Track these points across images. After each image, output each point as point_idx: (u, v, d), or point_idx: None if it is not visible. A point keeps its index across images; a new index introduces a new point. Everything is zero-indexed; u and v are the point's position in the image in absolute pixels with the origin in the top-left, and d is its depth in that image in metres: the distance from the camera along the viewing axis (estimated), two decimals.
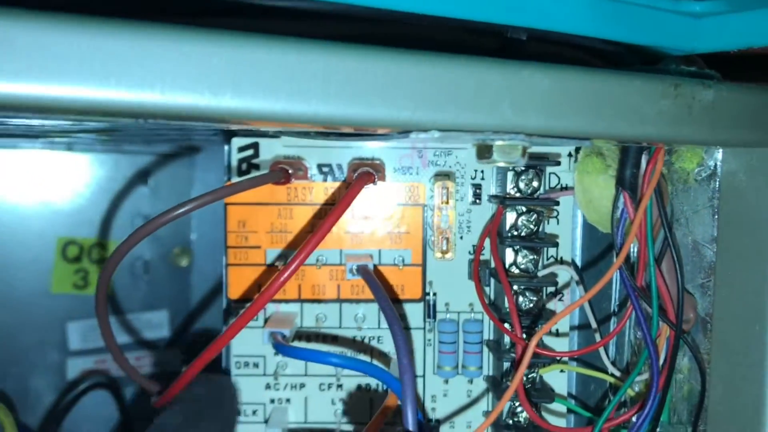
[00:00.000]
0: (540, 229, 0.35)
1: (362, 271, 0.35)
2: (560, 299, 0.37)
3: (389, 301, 0.32)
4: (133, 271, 0.63)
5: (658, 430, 0.35)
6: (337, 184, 0.36)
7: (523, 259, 0.35)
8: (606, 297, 0.37)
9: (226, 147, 0.37)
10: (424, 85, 0.22)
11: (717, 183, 0.32)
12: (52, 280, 0.61)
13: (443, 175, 0.36)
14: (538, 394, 0.35)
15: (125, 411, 0.58)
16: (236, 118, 0.21)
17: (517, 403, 0.35)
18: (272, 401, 0.37)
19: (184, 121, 0.21)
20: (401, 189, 0.37)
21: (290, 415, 0.37)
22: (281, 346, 0.32)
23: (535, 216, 0.35)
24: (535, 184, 0.35)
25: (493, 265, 0.35)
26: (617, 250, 0.31)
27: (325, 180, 0.36)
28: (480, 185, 0.37)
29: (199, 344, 0.35)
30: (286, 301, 0.37)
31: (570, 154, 0.36)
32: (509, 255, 0.35)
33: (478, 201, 0.37)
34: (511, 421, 0.35)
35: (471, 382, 0.38)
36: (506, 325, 0.34)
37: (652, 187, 0.30)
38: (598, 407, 0.38)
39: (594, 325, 0.36)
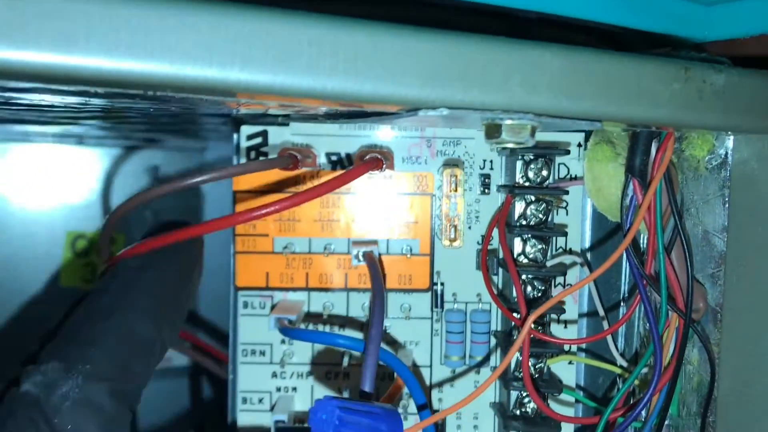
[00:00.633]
0: (549, 219, 0.35)
1: (367, 257, 0.35)
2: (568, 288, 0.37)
3: (381, 280, 0.33)
4: None
5: (667, 422, 0.34)
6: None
7: (532, 248, 0.35)
8: (615, 287, 0.37)
9: (235, 135, 0.37)
10: (433, 61, 0.22)
11: (728, 171, 0.31)
12: (61, 274, 0.62)
13: (452, 164, 0.36)
14: (546, 384, 0.35)
15: None
16: (243, 91, 0.21)
17: (524, 394, 0.35)
18: (278, 389, 0.37)
19: (192, 94, 0.21)
20: (410, 179, 0.37)
21: (296, 403, 0.37)
22: (287, 330, 0.32)
23: (544, 205, 0.35)
24: (544, 173, 0.35)
25: (501, 254, 0.35)
26: (625, 234, 0.31)
27: (333, 168, 0.36)
28: (489, 175, 0.37)
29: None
30: (294, 289, 0.37)
31: (579, 144, 0.36)
32: (518, 245, 0.35)
33: (486, 191, 0.37)
34: (518, 412, 0.35)
35: (478, 372, 0.37)
36: (515, 315, 0.34)
37: (662, 170, 0.30)
38: (607, 398, 0.37)
39: (602, 313, 0.36)
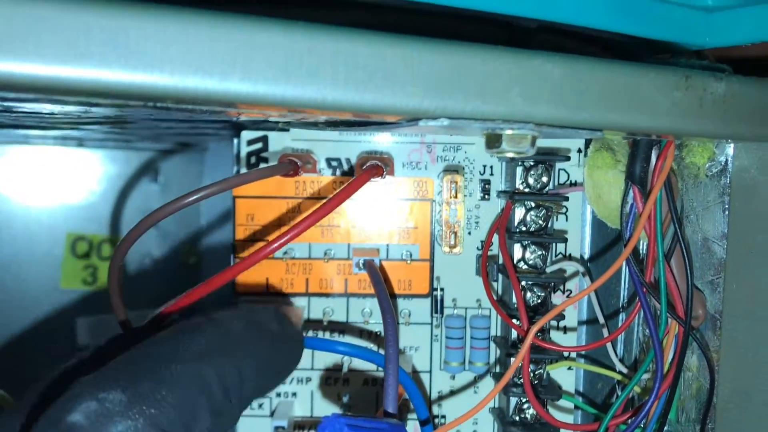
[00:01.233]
0: (549, 225, 0.35)
1: (367, 265, 0.35)
2: (568, 297, 0.37)
3: (387, 294, 0.32)
4: (142, 268, 0.63)
5: (666, 428, 0.34)
6: (345, 179, 0.36)
7: (532, 254, 0.35)
8: (614, 294, 0.37)
9: (235, 140, 0.37)
10: (433, 72, 0.22)
11: (728, 179, 0.31)
12: (61, 276, 0.62)
13: (452, 170, 0.36)
14: (545, 390, 0.35)
15: None
16: (244, 101, 0.21)
17: (524, 399, 0.35)
18: (278, 395, 0.37)
19: (192, 105, 0.21)
20: (410, 184, 0.37)
21: (296, 408, 0.37)
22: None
23: (544, 212, 0.35)
24: (544, 179, 0.35)
25: (501, 260, 0.35)
26: (626, 243, 0.31)
27: (333, 174, 0.36)
28: (489, 181, 0.37)
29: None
30: (294, 294, 0.37)
31: (579, 150, 0.36)
32: (517, 251, 0.35)
33: (486, 197, 0.37)
34: (517, 417, 0.35)
35: (478, 378, 0.37)
36: (514, 321, 0.34)
37: (662, 178, 0.30)
38: (606, 404, 0.37)
39: (602, 320, 0.36)
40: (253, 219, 0.36)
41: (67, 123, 0.37)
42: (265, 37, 0.20)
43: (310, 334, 0.37)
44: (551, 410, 0.36)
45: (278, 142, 0.36)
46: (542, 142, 0.35)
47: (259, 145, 0.36)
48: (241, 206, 0.36)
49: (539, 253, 0.35)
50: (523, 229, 0.35)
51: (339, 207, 0.35)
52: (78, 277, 0.62)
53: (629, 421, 0.33)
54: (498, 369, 0.37)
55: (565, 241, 0.36)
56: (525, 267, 0.35)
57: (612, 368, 0.36)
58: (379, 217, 0.37)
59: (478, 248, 0.37)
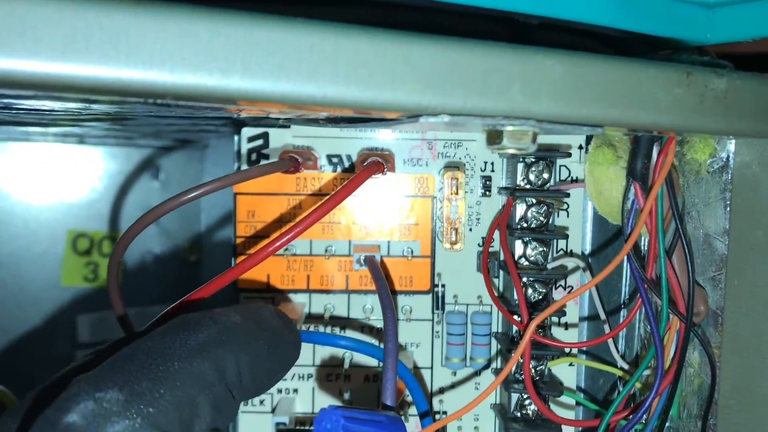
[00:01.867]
0: (550, 221, 0.35)
1: (368, 261, 0.35)
2: (569, 293, 0.37)
3: (388, 289, 0.32)
4: (143, 265, 0.63)
5: (668, 424, 0.34)
6: (346, 175, 0.36)
7: (533, 251, 0.35)
8: (616, 290, 0.37)
9: (236, 137, 0.37)
10: (434, 68, 0.22)
11: (729, 175, 0.31)
12: (62, 273, 0.62)
13: (453, 166, 0.36)
14: (546, 386, 0.35)
15: None
16: (244, 98, 0.21)
17: (525, 396, 0.35)
18: (279, 391, 0.37)
19: (192, 102, 0.21)
20: (411, 180, 0.37)
21: (297, 405, 0.37)
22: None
23: (545, 208, 0.35)
24: (545, 175, 0.35)
25: (502, 257, 0.35)
26: (626, 239, 0.31)
27: (334, 170, 0.36)
28: (490, 177, 0.37)
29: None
30: (295, 291, 0.37)
31: (581, 146, 0.36)
32: (518, 247, 0.35)
33: (487, 193, 0.37)
34: (519, 414, 0.35)
35: (479, 374, 0.37)
36: (515, 317, 0.34)
37: (663, 175, 0.29)
38: (607, 401, 0.37)
39: (603, 317, 0.36)
40: (254, 216, 0.36)
41: (68, 120, 0.36)
42: (266, 34, 0.20)
43: (311, 329, 0.37)
44: (552, 406, 0.36)
45: (279, 138, 0.36)
46: (543, 139, 0.35)
47: (259, 142, 0.36)
48: (242, 203, 0.36)
49: (540, 249, 0.35)
50: (524, 225, 0.35)
51: (340, 204, 0.35)
52: (79, 274, 0.62)
53: (630, 417, 0.33)
54: (499, 365, 0.37)
55: (566, 237, 0.36)
56: (526, 263, 0.35)
57: (613, 364, 0.36)
58: (380, 214, 0.37)
59: (479, 245, 0.37)
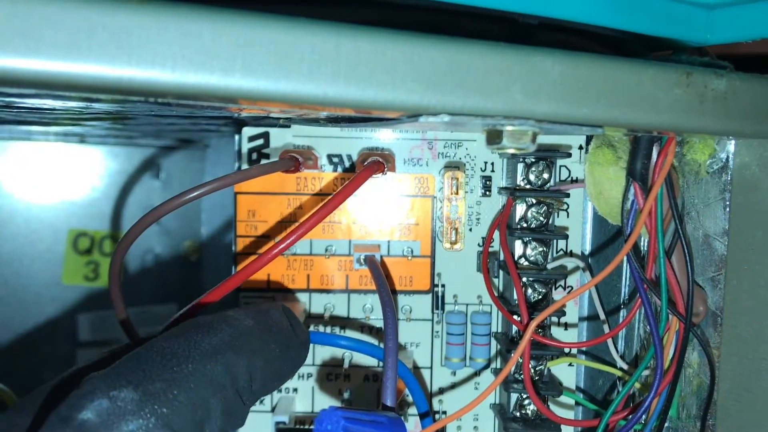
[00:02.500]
0: (550, 222, 0.35)
1: (368, 261, 0.35)
2: (569, 293, 0.37)
3: (387, 288, 0.32)
4: (144, 264, 0.63)
5: (667, 424, 0.34)
6: (346, 175, 0.36)
7: (533, 251, 0.35)
8: (615, 290, 0.37)
9: (236, 136, 0.37)
10: (434, 68, 0.22)
11: (729, 175, 0.31)
12: (63, 272, 0.62)
13: (453, 166, 0.36)
14: (546, 386, 0.35)
15: None
16: (245, 98, 0.21)
17: (525, 396, 0.35)
18: (279, 390, 0.37)
19: (193, 101, 0.21)
20: (411, 180, 0.37)
21: (297, 404, 0.37)
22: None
23: (545, 208, 0.35)
24: (545, 176, 0.35)
25: (502, 257, 0.35)
26: (626, 239, 0.31)
27: (335, 170, 0.36)
28: (490, 177, 0.37)
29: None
30: (295, 290, 0.37)
31: (581, 147, 0.36)
32: (518, 247, 0.35)
33: (487, 193, 0.37)
34: (518, 413, 0.35)
35: (478, 374, 0.38)
36: (515, 317, 0.34)
37: (662, 175, 0.30)
38: (607, 401, 0.38)
39: (603, 317, 0.36)
40: (255, 215, 0.37)
41: (69, 119, 0.37)
42: (267, 33, 0.20)
43: (311, 328, 0.37)
44: (552, 406, 0.37)
45: (279, 138, 0.36)
46: (543, 139, 0.35)
47: (260, 142, 0.36)
48: (243, 202, 0.36)
49: (540, 249, 0.35)
50: (524, 225, 0.35)
51: (341, 204, 0.35)
52: (80, 273, 0.62)
53: (629, 417, 0.33)
54: (498, 365, 0.37)
55: (566, 237, 0.36)
56: (526, 263, 0.35)
57: (613, 365, 0.36)
58: (380, 214, 0.37)
59: (479, 245, 0.37)
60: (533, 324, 0.32)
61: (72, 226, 0.62)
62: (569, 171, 0.36)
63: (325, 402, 0.37)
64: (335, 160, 0.36)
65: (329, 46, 0.21)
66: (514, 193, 0.34)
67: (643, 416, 0.33)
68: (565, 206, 0.36)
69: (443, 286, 0.37)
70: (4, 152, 0.59)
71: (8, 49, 0.18)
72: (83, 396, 0.21)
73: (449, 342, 0.37)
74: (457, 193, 0.36)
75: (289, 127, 0.36)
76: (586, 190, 0.35)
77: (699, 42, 0.31)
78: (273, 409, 0.37)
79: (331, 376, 0.37)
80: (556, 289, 0.36)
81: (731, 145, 0.31)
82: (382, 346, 0.29)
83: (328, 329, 0.37)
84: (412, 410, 0.37)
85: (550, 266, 0.35)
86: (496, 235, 0.36)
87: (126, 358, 0.23)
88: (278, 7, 0.22)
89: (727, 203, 0.32)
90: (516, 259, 0.35)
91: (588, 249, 0.37)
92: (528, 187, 0.35)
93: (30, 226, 0.61)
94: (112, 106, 0.27)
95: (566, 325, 0.37)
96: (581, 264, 0.36)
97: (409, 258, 0.37)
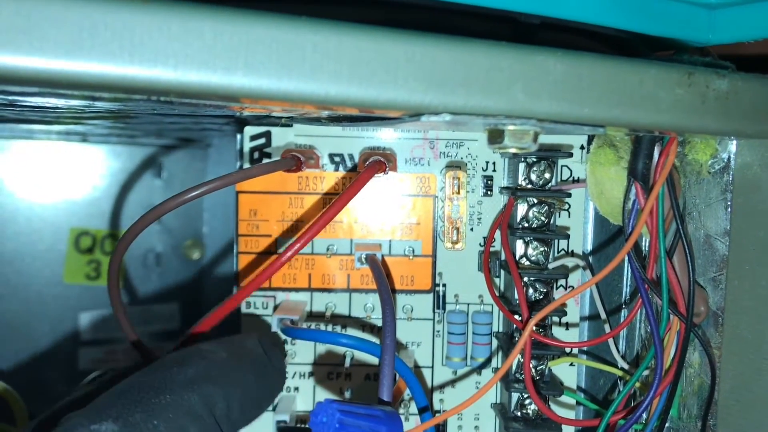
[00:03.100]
0: (551, 221, 0.35)
1: (369, 260, 0.35)
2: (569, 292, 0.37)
3: (388, 286, 0.32)
4: (145, 263, 0.63)
5: (667, 425, 0.34)
6: (348, 174, 0.36)
7: (534, 251, 0.35)
8: (616, 290, 0.37)
9: (238, 135, 0.37)
10: (436, 67, 0.22)
11: (731, 175, 0.31)
12: (64, 271, 0.62)
13: (455, 166, 0.36)
14: (547, 386, 0.35)
15: None
16: (247, 96, 0.21)
17: (525, 395, 0.35)
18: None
19: (195, 99, 0.21)
20: (412, 180, 0.37)
21: (298, 403, 0.37)
22: (290, 330, 0.32)
23: (546, 208, 0.35)
24: (547, 175, 0.35)
25: (503, 256, 0.35)
26: (627, 239, 0.31)
27: (336, 170, 0.37)
28: (491, 177, 0.37)
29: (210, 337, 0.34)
30: (296, 289, 0.37)
31: (582, 147, 0.36)
32: (520, 247, 0.35)
33: (489, 193, 0.37)
34: (519, 413, 0.35)
35: (479, 373, 0.38)
36: (516, 317, 0.34)
37: (664, 175, 0.30)
38: (608, 400, 0.38)
39: (604, 316, 0.36)
40: (256, 214, 0.37)
41: (71, 117, 0.37)
42: (269, 32, 0.20)
43: (312, 327, 0.37)
44: (553, 406, 0.37)
45: (281, 137, 0.36)
46: (545, 139, 0.35)
47: (262, 141, 0.36)
48: (244, 201, 0.37)
49: (541, 249, 0.35)
50: (526, 225, 0.35)
51: (345, 206, 0.35)
52: (81, 272, 0.62)
53: (630, 417, 0.33)
54: (499, 364, 0.37)
55: (568, 237, 0.36)
56: (527, 263, 0.35)
57: (614, 364, 0.36)
58: (382, 213, 0.37)
59: (480, 244, 0.37)
60: (533, 321, 0.32)
61: (74, 225, 0.62)
62: (571, 171, 0.36)
63: None
64: (337, 159, 0.36)
65: (331, 45, 0.21)
66: (515, 192, 0.34)
67: (644, 416, 0.33)
68: (566, 206, 0.36)
69: (444, 285, 0.37)
70: (6, 151, 0.59)
71: (11, 48, 0.18)
72: (65, 430, 0.22)
73: (450, 341, 0.37)
74: (458, 193, 0.36)
75: (290, 126, 0.36)
76: (588, 190, 0.35)
77: (701, 42, 0.31)
78: (274, 408, 0.37)
79: (332, 375, 0.37)
80: (557, 289, 0.36)
81: (733, 145, 0.31)
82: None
83: (330, 328, 0.37)
84: (413, 410, 0.37)
85: (551, 266, 0.35)
86: (498, 234, 0.36)
87: (105, 395, 0.24)
88: (280, 5, 0.22)
89: (729, 203, 0.32)
90: (517, 258, 0.35)
91: (589, 249, 0.37)
92: (529, 186, 0.35)
93: (31, 224, 0.61)
94: (114, 104, 0.27)
95: (567, 325, 0.37)
96: (582, 263, 0.36)
97: (411, 257, 0.37)
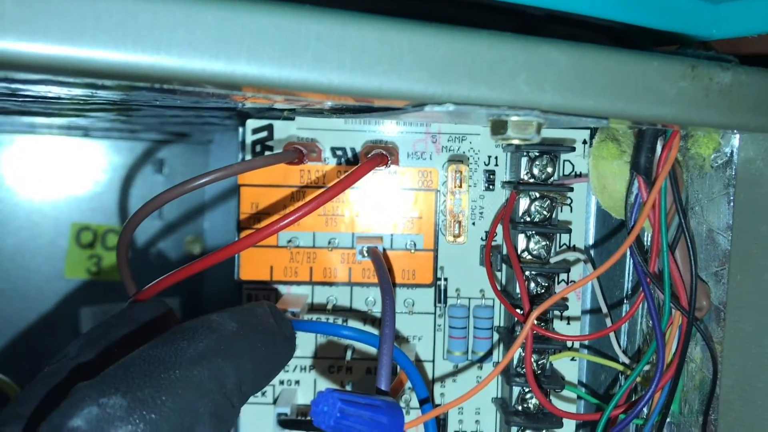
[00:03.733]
0: (553, 216, 0.35)
1: (371, 252, 0.35)
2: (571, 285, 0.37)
3: (388, 277, 0.32)
4: (146, 258, 0.63)
5: (669, 419, 0.34)
6: (350, 168, 0.36)
7: (536, 245, 0.35)
8: (618, 284, 0.37)
9: (240, 128, 0.37)
10: (440, 57, 0.22)
11: (733, 170, 0.31)
12: (65, 265, 0.62)
13: (457, 160, 0.36)
14: (548, 380, 0.35)
15: None
16: (250, 84, 0.21)
17: (527, 389, 0.35)
18: (281, 382, 0.37)
19: (198, 88, 0.21)
20: (414, 174, 0.37)
21: (299, 396, 0.37)
22: (291, 322, 0.32)
23: (548, 202, 0.35)
24: (549, 170, 0.35)
25: (505, 250, 0.35)
26: (630, 232, 0.31)
27: (339, 163, 0.36)
28: (493, 171, 0.37)
29: None
30: (298, 283, 0.37)
31: (585, 141, 0.36)
32: (521, 241, 0.35)
33: (491, 187, 0.37)
34: (520, 407, 0.35)
35: (480, 367, 0.38)
36: (518, 311, 0.34)
37: (666, 169, 0.30)
38: (609, 395, 0.38)
39: (605, 310, 0.36)
40: (258, 207, 0.37)
41: (73, 109, 0.37)
42: (272, 20, 0.20)
43: (314, 319, 0.37)
44: (554, 400, 0.37)
45: (283, 130, 0.36)
46: (547, 133, 0.35)
47: (264, 134, 0.36)
48: (246, 194, 0.37)
49: (543, 243, 0.35)
50: (528, 219, 0.35)
51: (343, 196, 0.35)
52: (82, 266, 0.62)
53: (631, 411, 0.33)
54: (500, 359, 0.37)
55: (570, 231, 0.36)
56: (529, 257, 0.35)
57: (615, 359, 0.36)
58: (384, 207, 0.37)
59: (482, 238, 0.37)
60: (534, 314, 0.32)
61: (75, 220, 0.62)
62: (573, 165, 0.36)
63: None
64: (339, 152, 0.36)
65: (335, 34, 0.21)
66: (517, 186, 0.34)
67: (645, 411, 0.33)
68: (568, 200, 0.36)
69: (446, 279, 0.37)
70: (7, 146, 0.59)
71: (15, 34, 0.18)
72: (73, 404, 0.21)
73: (451, 335, 0.37)
74: (460, 187, 0.36)
75: (293, 119, 0.36)
76: (590, 184, 0.35)
77: (704, 36, 0.31)
78: (275, 401, 0.37)
79: (333, 368, 0.37)
80: (559, 283, 0.36)
81: (736, 140, 0.31)
82: None
83: (331, 321, 0.37)
84: (413, 404, 0.37)
85: (553, 260, 0.35)
86: (499, 229, 0.36)
87: (114, 367, 0.23)
88: None
89: (731, 198, 0.32)
90: (519, 253, 0.35)
91: (591, 243, 0.37)
92: (532, 181, 0.35)
93: (33, 219, 0.61)
94: (117, 94, 0.27)
95: (569, 319, 0.37)
96: (584, 257, 0.36)
97: (412, 251, 0.37)
